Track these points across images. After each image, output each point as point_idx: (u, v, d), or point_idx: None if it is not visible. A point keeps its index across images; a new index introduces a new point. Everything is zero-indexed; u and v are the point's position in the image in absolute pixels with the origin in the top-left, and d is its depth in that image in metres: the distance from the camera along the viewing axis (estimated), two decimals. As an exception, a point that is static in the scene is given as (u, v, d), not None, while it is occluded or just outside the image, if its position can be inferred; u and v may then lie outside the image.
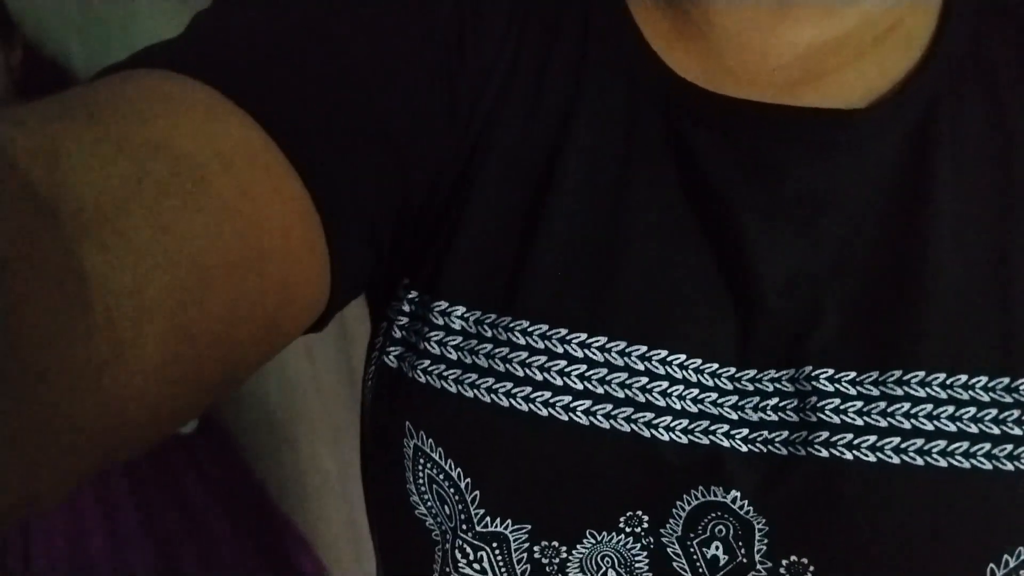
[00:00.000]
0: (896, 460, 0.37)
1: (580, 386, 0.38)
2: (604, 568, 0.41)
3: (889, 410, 0.37)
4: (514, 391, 0.39)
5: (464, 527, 0.40)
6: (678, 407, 0.38)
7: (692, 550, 0.40)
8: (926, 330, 0.37)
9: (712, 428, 0.39)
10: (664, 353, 0.39)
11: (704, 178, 0.39)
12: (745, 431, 0.39)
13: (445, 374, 0.39)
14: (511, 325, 0.39)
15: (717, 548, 0.40)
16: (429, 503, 0.41)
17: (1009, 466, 0.36)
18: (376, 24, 0.38)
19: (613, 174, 0.40)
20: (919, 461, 0.36)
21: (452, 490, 0.40)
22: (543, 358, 0.39)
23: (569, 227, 0.40)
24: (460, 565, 0.41)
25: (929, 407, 0.37)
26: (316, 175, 0.33)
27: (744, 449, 0.38)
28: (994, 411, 0.37)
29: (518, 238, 0.40)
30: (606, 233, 0.40)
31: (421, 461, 0.40)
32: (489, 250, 0.40)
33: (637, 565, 0.40)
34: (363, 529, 1.50)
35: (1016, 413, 0.37)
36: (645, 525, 0.40)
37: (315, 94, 0.35)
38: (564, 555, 0.41)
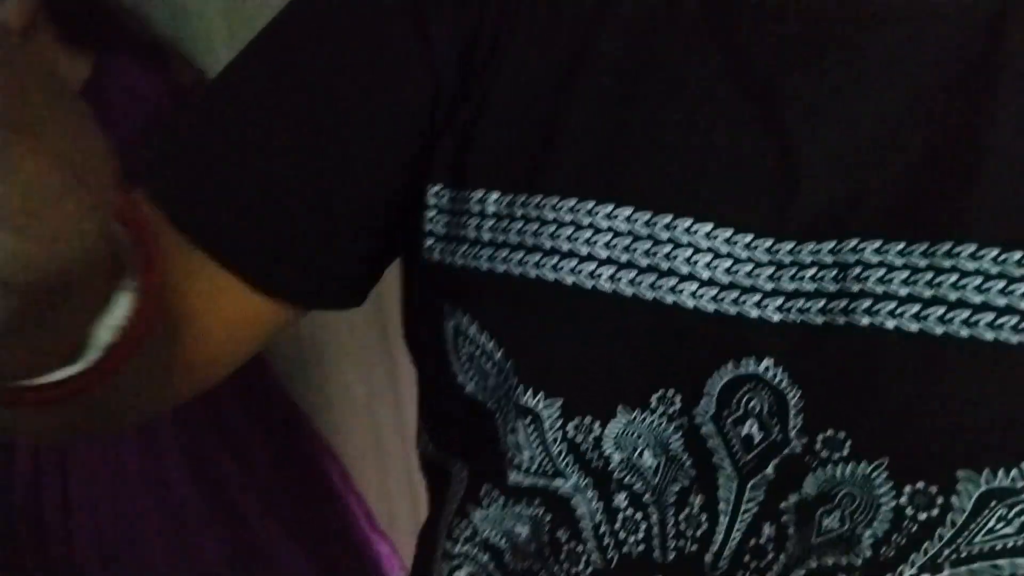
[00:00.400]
0: (939, 330, 0.35)
1: (605, 255, 0.39)
2: (639, 448, 0.40)
3: (936, 281, 0.35)
4: (542, 261, 0.39)
5: (506, 403, 0.41)
6: (704, 276, 0.38)
7: (726, 429, 0.39)
8: (981, 205, 0.35)
9: (742, 298, 0.38)
10: (690, 222, 0.38)
11: (747, 49, 0.39)
12: (779, 300, 0.37)
13: (479, 254, 0.41)
14: (541, 202, 0.40)
15: (752, 425, 0.39)
16: (475, 379, 0.42)
17: None
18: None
19: (651, 47, 0.40)
20: (964, 332, 0.35)
21: (490, 364, 0.41)
22: (570, 229, 0.39)
23: (601, 101, 0.40)
24: (506, 441, 0.42)
25: (979, 280, 0.35)
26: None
27: (776, 318, 0.37)
28: None
29: (546, 116, 0.40)
30: (639, 106, 0.40)
31: (460, 340, 0.42)
32: (516, 133, 0.41)
33: (672, 447, 0.40)
34: (389, 446, 1.57)
35: None
36: (677, 405, 0.40)
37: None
38: (597, 432, 0.40)
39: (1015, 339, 0.34)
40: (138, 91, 1.27)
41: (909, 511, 0.37)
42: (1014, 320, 0.35)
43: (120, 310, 0.31)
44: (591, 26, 0.41)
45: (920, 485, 0.36)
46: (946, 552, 0.37)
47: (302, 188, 0.43)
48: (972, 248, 0.35)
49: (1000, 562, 0.37)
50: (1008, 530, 0.36)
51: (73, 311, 0.29)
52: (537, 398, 0.40)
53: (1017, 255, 0.35)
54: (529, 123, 0.41)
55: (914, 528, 0.37)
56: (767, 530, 0.39)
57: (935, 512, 0.36)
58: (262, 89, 0.44)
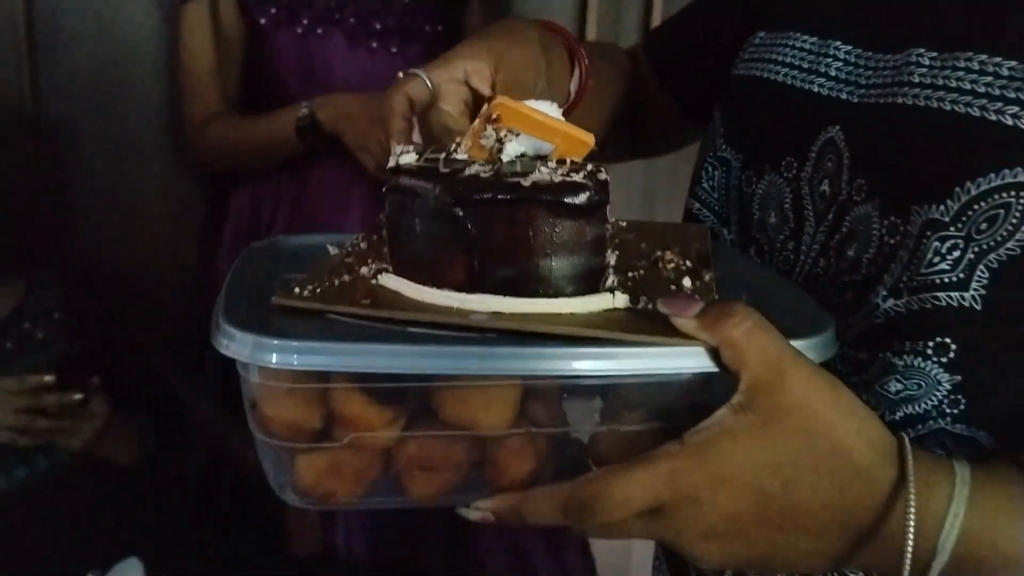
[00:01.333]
0: (947, 107, 0.50)
1: (787, 60, 0.61)
2: (771, 207, 0.60)
3: (954, 76, 0.51)
4: (758, 66, 0.63)
5: (710, 152, 0.64)
6: (831, 72, 0.58)
7: (813, 187, 0.57)
8: (1006, 24, 0.50)
9: (838, 86, 0.57)
10: (839, 42, 0.59)
11: None
12: (860, 89, 0.56)
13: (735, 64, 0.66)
14: (770, 36, 0.64)
15: (825, 183, 0.56)
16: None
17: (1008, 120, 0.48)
18: None
19: None
20: (955, 108, 0.50)
21: (711, 129, 0.66)
22: (778, 48, 0.62)
23: None
24: (703, 181, 0.65)
25: (983, 76, 0.50)
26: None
27: (855, 100, 0.56)
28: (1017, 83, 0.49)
29: None
30: None
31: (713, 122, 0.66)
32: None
33: (785, 203, 0.59)
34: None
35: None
36: (794, 170, 0.59)
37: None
38: (753, 187, 0.61)
39: (977, 112, 0.49)
40: None
41: (886, 238, 0.51)
42: (982, 102, 0.49)
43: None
44: None
45: (892, 218, 0.51)
46: (904, 277, 0.50)
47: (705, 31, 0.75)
48: (982, 57, 0.50)
49: (939, 295, 0.49)
50: (944, 266, 0.49)
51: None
52: (728, 150, 0.63)
53: (1011, 63, 0.49)
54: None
55: (887, 250, 0.51)
56: (822, 261, 0.56)
57: (897, 238, 0.50)
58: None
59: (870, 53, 0.57)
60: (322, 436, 0.42)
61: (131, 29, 1.46)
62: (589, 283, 0.44)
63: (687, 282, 0.48)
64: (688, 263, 0.52)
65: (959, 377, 0.49)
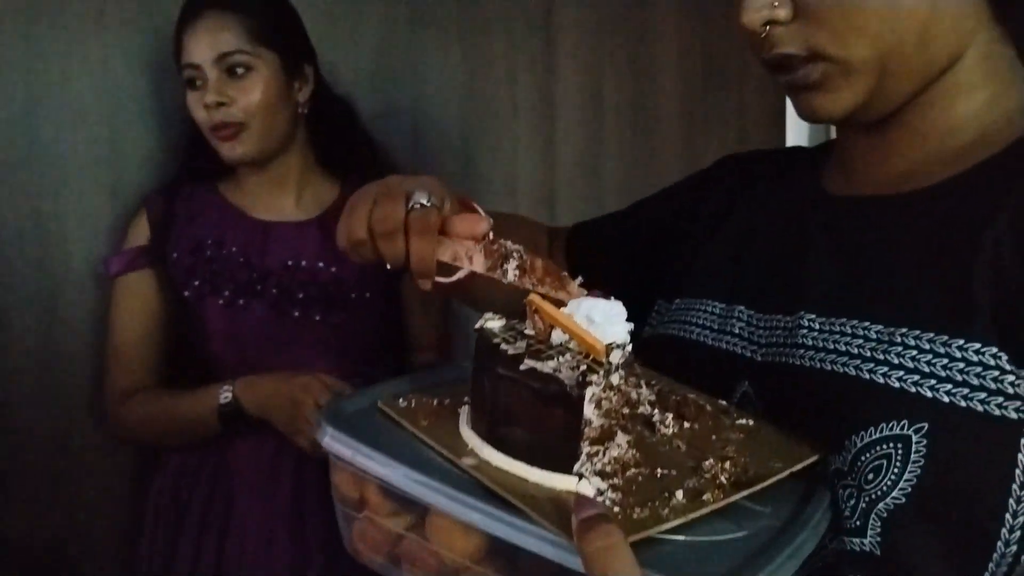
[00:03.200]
0: (833, 368, 0.58)
1: (700, 322, 0.71)
2: None
3: (839, 339, 0.59)
4: (676, 327, 0.73)
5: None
6: (736, 331, 0.67)
7: None
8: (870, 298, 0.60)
9: (744, 344, 0.66)
10: (740, 308, 0.69)
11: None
12: (761, 348, 0.65)
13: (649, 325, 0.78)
14: (683, 302, 0.75)
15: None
16: None
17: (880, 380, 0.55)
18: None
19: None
20: (845, 370, 0.57)
21: None
22: (691, 312, 0.73)
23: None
24: None
25: (860, 340, 0.58)
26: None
27: (758, 358, 0.65)
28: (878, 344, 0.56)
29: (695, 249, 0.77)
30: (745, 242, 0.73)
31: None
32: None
33: None
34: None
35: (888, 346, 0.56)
36: None
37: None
38: None
39: (853, 372, 0.56)
40: None
41: None
42: (856, 362, 0.56)
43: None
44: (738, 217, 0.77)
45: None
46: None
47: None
48: (855, 322, 0.58)
49: (846, 539, 0.54)
50: (847, 512, 0.54)
51: None
52: None
53: (878, 327, 0.57)
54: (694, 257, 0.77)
55: None
56: None
57: None
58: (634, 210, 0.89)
59: (765, 315, 0.66)
60: (362, 508, 0.55)
61: (72, 307, 1.47)
62: (561, 463, 0.50)
63: (679, 496, 0.49)
64: (724, 478, 0.52)
65: None
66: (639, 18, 1.87)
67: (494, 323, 0.56)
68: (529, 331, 0.55)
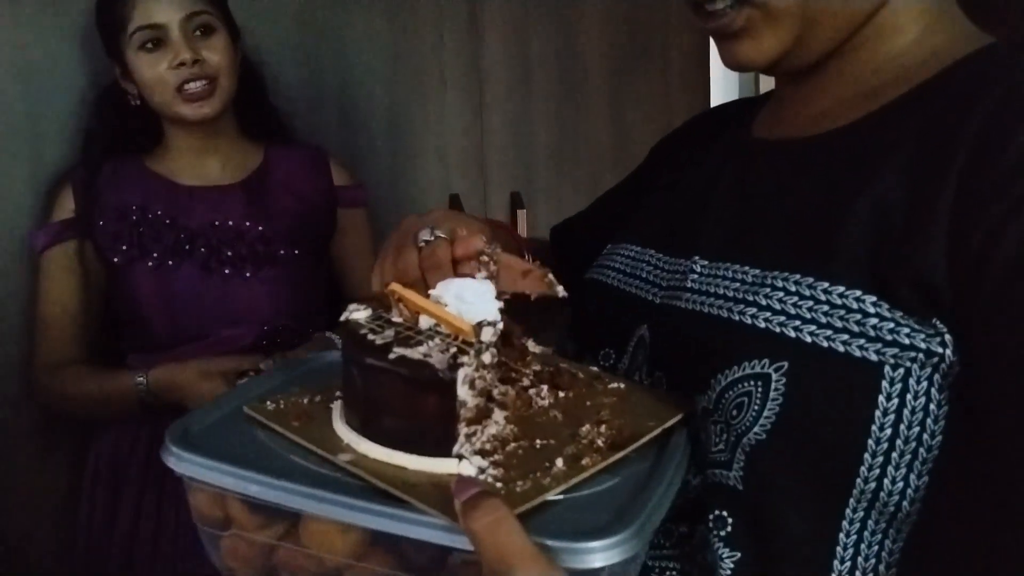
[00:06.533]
0: (708, 311, 0.59)
1: (617, 265, 0.72)
2: None
3: (716, 283, 0.60)
4: (597, 270, 0.75)
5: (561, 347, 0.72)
6: (644, 275, 0.69)
7: (629, 377, 0.65)
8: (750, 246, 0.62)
9: (646, 287, 0.67)
10: (652, 251, 0.70)
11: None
12: (658, 290, 0.66)
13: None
14: (617, 247, 0.75)
15: (637, 375, 0.64)
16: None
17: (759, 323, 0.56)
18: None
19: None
20: (714, 312, 0.59)
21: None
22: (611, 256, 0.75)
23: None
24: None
25: (737, 284, 0.59)
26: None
27: (657, 300, 0.66)
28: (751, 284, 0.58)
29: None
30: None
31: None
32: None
33: None
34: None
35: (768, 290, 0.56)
36: (611, 361, 0.68)
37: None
38: None
39: (726, 314, 0.58)
40: (295, 182, 1.49)
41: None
42: (730, 304, 0.58)
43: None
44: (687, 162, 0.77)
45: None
46: (698, 456, 0.57)
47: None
48: (736, 266, 0.60)
49: (716, 472, 0.56)
50: (720, 446, 0.56)
51: None
52: (568, 343, 0.73)
53: (755, 270, 0.58)
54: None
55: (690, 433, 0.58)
56: None
57: (692, 423, 0.58)
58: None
59: (669, 258, 0.68)
60: (228, 526, 0.53)
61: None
62: (439, 447, 0.50)
63: (559, 463, 0.51)
64: (601, 441, 0.54)
65: (738, 554, 0.55)
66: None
67: (360, 314, 0.57)
68: (396, 319, 0.56)
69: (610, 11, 1.91)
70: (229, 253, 1.39)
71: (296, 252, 1.44)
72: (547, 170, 1.90)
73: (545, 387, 0.59)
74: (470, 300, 0.54)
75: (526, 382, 0.59)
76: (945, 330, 0.50)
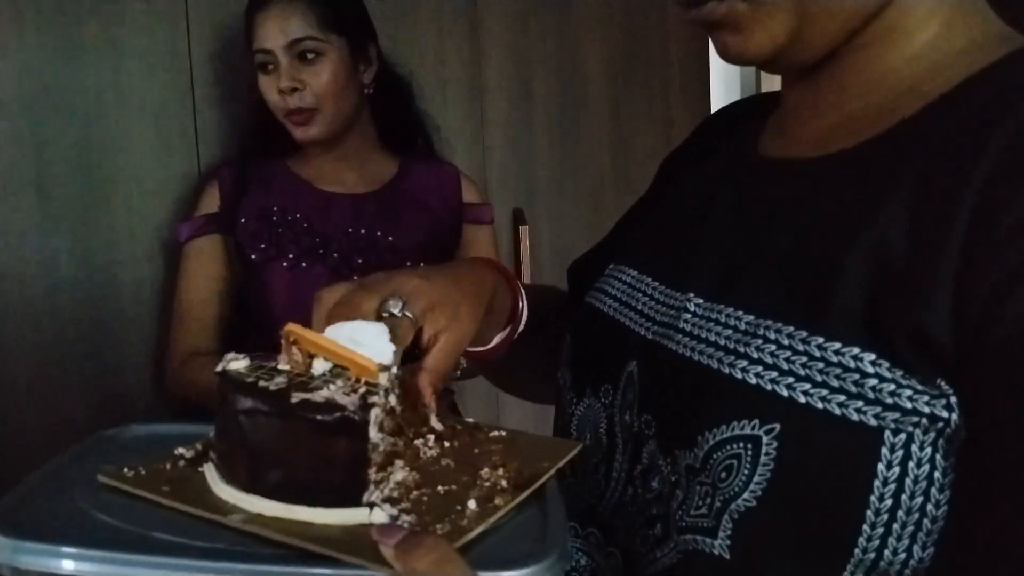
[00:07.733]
0: (701, 360, 0.53)
1: (613, 292, 0.67)
2: (587, 429, 0.62)
3: (711, 328, 0.54)
4: (593, 295, 0.70)
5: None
6: (639, 307, 0.63)
7: (621, 415, 0.60)
8: (747, 289, 0.55)
9: (639, 319, 0.62)
10: (649, 279, 0.64)
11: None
12: (649, 323, 0.61)
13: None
14: (612, 268, 0.70)
15: (627, 413, 0.59)
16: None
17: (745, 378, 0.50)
18: None
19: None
20: (708, 363, 0.53)
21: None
22: (608, 281, 0.69)
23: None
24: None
25: (730, 331, 0.53)
26: None
27: (649, 336, 0.60)
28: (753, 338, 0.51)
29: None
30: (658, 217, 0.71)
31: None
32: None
33: (600, 428, 0.61)
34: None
35: (759, 342, 0.51)
36: (609, 397, 0.61)
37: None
38: (573, 408, 0.65)
39: (716, 365, 0.52)
40: (427, 196, 1.53)
41: (669, 476, 0.54)
42: (721, 354, 0.52)
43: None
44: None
45: (667, 459, 0.54)
46: (677, 518, 0.52)
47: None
48: (729, 310, 0.54)
49: (698, 538, 0.50)
50: (703, 510, 0.51)
51: (489, 325, 0.68)
52: (564, 371, 0.68)
53: (749, 317, 0.52)
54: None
55: (670, 489, 0.53)
56: (630, 489, 0.58)
57: (675, 477, 0.53)
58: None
59: (665, 288, 0.62)
60: None
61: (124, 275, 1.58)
62: (347, 496, 0.47)
63: (472, 505, 0.49)
64: (505, 483, 0.52)
65: None
66: (564, 1, 1.87)
67: (238, 363, 0.53)
68: (283, 366, 0.52)
69: (609, 23, 1.91)
70: (360, 260, 1.44)
71: (422, 264, 1.45)
72: (549, 186, 1.89)
73: (432, 437, 0.58)
74: (364, 342, 0.52)
75: (411, 433, 0.57)
76: (951, 392, 0.45)
